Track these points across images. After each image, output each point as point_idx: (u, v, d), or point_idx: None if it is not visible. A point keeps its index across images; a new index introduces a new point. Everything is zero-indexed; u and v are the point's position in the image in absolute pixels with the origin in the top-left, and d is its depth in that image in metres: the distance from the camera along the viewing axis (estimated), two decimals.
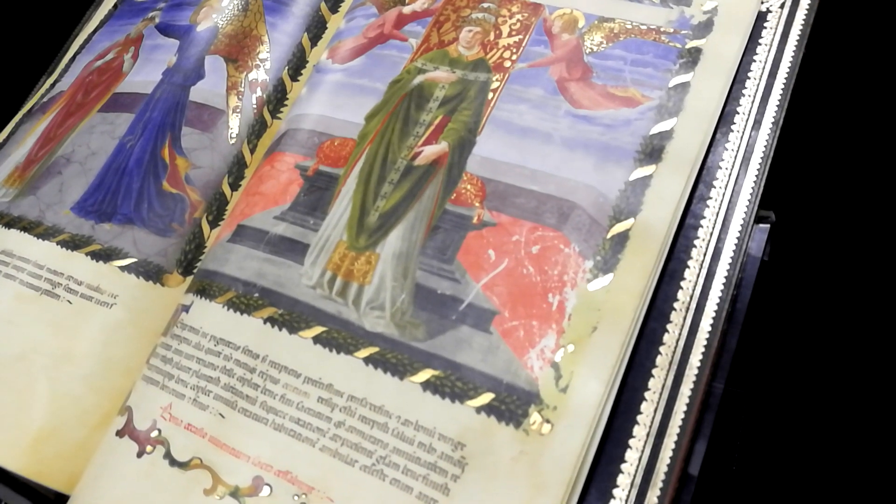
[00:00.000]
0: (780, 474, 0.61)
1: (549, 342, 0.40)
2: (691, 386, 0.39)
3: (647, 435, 0.39)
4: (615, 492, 0.38)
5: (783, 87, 0.46)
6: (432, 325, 0.42)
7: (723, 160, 0.45)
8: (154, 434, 0.44)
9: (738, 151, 0.45)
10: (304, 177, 0.50)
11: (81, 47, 0.67)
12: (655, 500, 0.37)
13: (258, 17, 0.61)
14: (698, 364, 0.40)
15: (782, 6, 0.49)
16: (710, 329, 0.41)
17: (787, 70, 0.47)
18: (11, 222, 0.55)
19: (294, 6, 0.61)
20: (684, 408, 0.39)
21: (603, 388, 0.39)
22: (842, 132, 0.69)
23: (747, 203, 0.44)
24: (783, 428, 0.62)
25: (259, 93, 0.58)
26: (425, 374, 0.41)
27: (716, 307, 0.41)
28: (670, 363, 0.40)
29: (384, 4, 0.56)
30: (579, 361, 0.40)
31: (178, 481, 0.42)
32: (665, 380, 0.40)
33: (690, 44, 0.48)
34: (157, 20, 0.65)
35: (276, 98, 0.58)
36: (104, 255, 0.52)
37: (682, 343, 0.40)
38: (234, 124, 0.57)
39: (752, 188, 0.44)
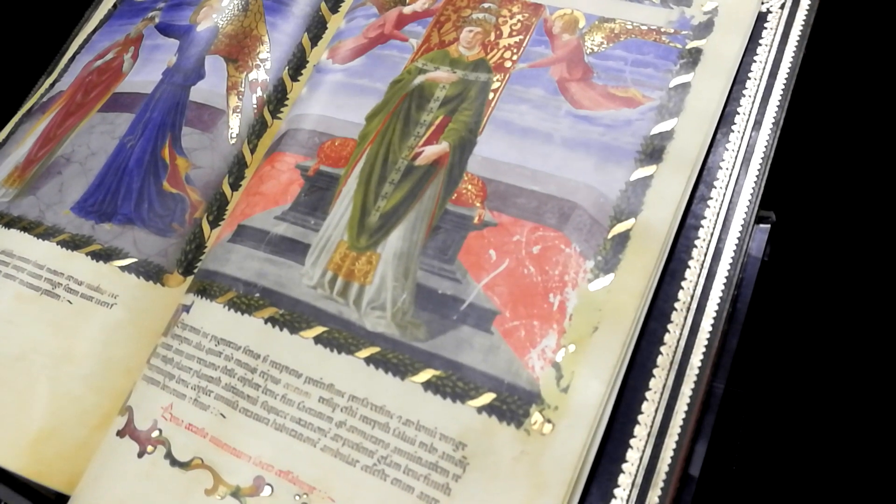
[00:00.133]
0: (780, 474, 0.61)
1: (550, 342, 0.40)
2: (692, 386, 0.39)
3: (649, 435, 0.39)
4: (616, 492, 0.38)
5: (783, 87, 0.46)
6: (433, 325, 0.42)
7: (723, 160, 0.45)
8: (155, 434, 0.44)
9: (738, 152, 0.45)
10: (304, 177, 0.50)
11: (81, 47, 0.67)
12: (656, 499, 0.37)
13: (258, 17, 0.61)
14: (699, 364, 0.40)
15: (782, 7, 0.49)
16: (710, 329, 0.41)
17: (788, 70, 0.47)
18: (11, 222, 0.55)
19: (294, 6, 0.61)
20: (685, 408, 0.39)
21: (604, 388, 0.39)
22: (842, 132, 0.69)
23: (748, 203, 0.44)
24: (783, 428, 0.62)
25: (259, 93, 0.58)
26: (426, 374, 0.41)
27: (716, 307, 0.41)
28: (671, 363, 0.40)
29: (385, 4, 0.56)
30: (580, 361, 0.40)
31: (179, 481, 0.42)
32: (666, 380, 0.40)
33: (691, 44, 0.48)
34: (156, 20, 0.65)
35: (277, 98, 0.58)
36: (104, 255, 0.52)
37: (682, 343, 0.40)
38: (235, 124, 0.57)
39: (753, 188, 0.44)
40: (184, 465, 0.42)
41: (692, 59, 0.47)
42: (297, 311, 0.45)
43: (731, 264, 0.42)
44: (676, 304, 0.41)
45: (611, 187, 0.44)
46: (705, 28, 0.48)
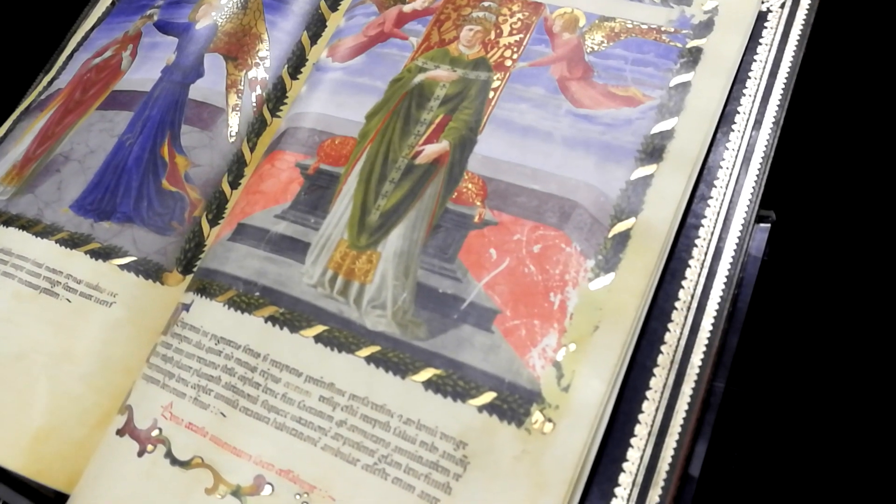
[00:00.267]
0: (780, 473, 0.61)
1: (550, 341, 0.40)
2: (693, 385, 0.40)
3: (649, 434, 0.39)
4: (617, 491, 0.38)
5: (784, 86, 0.46)
6: (434, 323, 0.42)
7: (724, 160, 0.45)
8: (155, 433, 0.44)
9: (738, 151, 0.45)
10: (304, 175, 0.50)
11: (79, 45, 0.67)
12: (657, 499, 0.37)
13: (257, 14, 0.61)
14: (699, 363, 0.40)
15: (783, 6, 0.49)
16: (711, 328, 0.41)
17: (788, 70, 0.47)
18: (9, 220, 0.55)
19: (294, 4, 0.61)
20: (686, 407, 0.39)
21: (605, 387, 0.39)
22: (842, 132, 0.69)
23: (748, 202, 0.44)
24: (784, 427, 0.62)
25: (259, 91, 0.58)
26: (427, 373, 0.41)
27: (717, 306, 0.41)
28: (672, 362, 0.40)
29: (384, 3, 0.56)
30: (581, 360, 0.40)
31: (180, 480, 0.42)
32: (666, 379, 0.40)
33: (691, 43, 0.48)
34: (155, 18, 0.64)
35: (276, 96, 0.58)
36: (103, 254, 0.52)
37: (683, 342, 0.41)
38: (234, 122, 0.56)
39: (753, 188, 0.44)
40: (184, 465, 0.42)
41: (692, 58, 0.47)
42: (297, 309, 0.45)
43: (731, 263, 0.42)
44: (677, 304, 0.41)
45: (611, 186, 0.44)
46: (705, 27, 0.48)
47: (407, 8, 0.55)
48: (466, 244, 0.44)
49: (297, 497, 0.40)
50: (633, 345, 0.40)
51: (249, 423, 0.42)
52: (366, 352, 0.42)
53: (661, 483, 0.38)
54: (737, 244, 0.43)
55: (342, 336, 0.43)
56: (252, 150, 0.56)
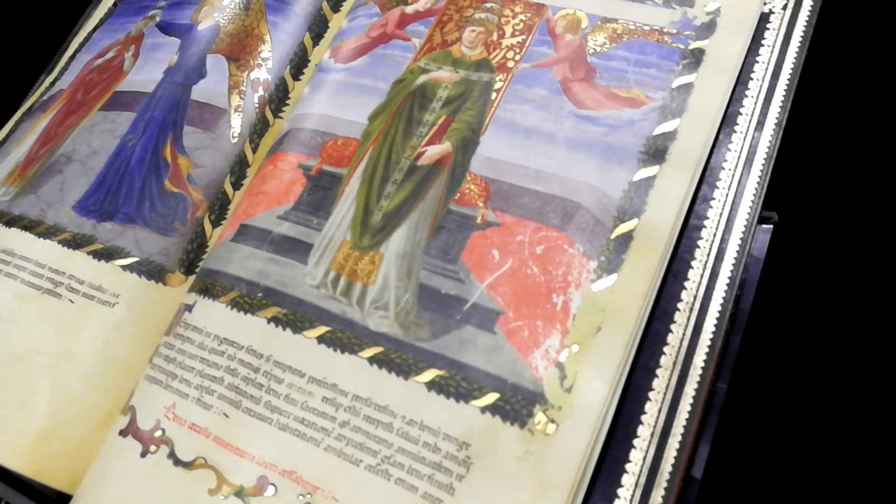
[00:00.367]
0: (783, 473, 0.61)
1: (553, 342, 0.40)
2: (695, 386, 0.40)
3: (652, 435, 0.39)
4: (620, 492, 0.38)
5: (786, 88, 0.46)
6: (436, 324, 0.42)
7: (726, 161, 0.45)
8: (158, 434, 0.44)
9: (741, 152, 0.45)
10: (307, 176, 0.50)
11: (81, 45, 0.67)
12: (660, 499, 0.37)
13: (260, 15, 0.61)
14: (702, 364, 0.40)
15: (785, 7, 0.49)
16: (713, 329, 0.41)
17: (790, 71, 0.47)
18: (12, 221, 0.55)
19: (296, 5, 0.61)
20: (688, 408, 0.39)
21: (607, 388, 0.39)
22: (845, 133, 0.69)
23: (750, 204, 0.44)
24: (786, 428, 0.62)
25: (261, 92, 0.58)
26: (430, 374, 0.41)
27: (719, 307, 0.41)
28: (674, 363, 0.40)
29: (387, 4, 0.56)
30: (584, 361, 0.40)
31: (183, 481, 0.42)
32: (669, 380, 0.40)
33: (693, 45, 0.48)
34: (157, 18, 0.65)
35: (278, 97, 0.58)
36: (106, 255, 0.52)
37: (685, 343, 0.41)
38: (236, 123, 0.57)
39: (756, 189, 0.44)
40: (187, 465, 0.42)
41: (695, 59, 0.47)
42: (300, 310, 0.45)
43: (733, 264, 0.42)
44: (679, 305, 0.41)
45: (614, 187, 0.44)
46: (708, 28, 0.48)
47: (409, 9, 0.55)
48: (469, 245, 0.44)
49: (301, 498, 0.40)
50: (635, 346, 0.40)
51: (252, 424, 0.42)
52: (369, 353, 0.42)
53: (664, 484, 0.38)
54: (739, 245, 0.43)
55: (345, 337, 0.43)
56: (254, 150, 0.56)
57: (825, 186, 0.68)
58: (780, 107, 0.46)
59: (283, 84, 0.58)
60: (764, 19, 0.49)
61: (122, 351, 0.50)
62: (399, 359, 0.42)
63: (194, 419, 0.43)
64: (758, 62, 0.47)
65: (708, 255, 0.43)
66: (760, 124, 0.46)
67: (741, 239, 0.43)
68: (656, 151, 0.45)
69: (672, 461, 0.38)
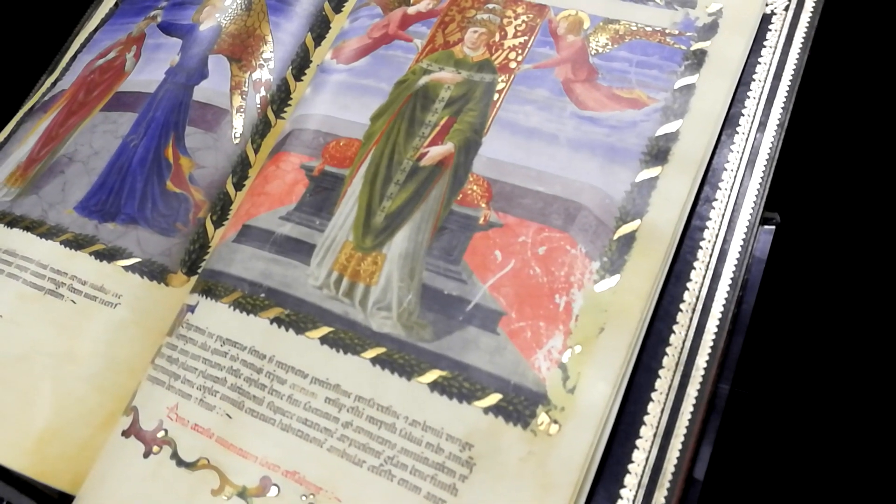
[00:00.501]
0: (785, 474, 0.61)
1: (556, 343, 0.40)
2: (698, 387, 0.40)
3: (654, 435, 0.39)
4: (622, 492, 0.38)
5: (788, 89, 0.46)
6: (439, 325, 0.42)
7: (728, 162, 0.45)
8: (161, 434, 0.44)
9: (743, 153, 0.45)
10: (309, 177, 0.50)
11: (82, 46, 0.67)
12: (663, 500, 0.37)
13: (261, 16, 0.61)
14: (704, 365, 0.40)
15: (787, 8, 0.49)
16: (716, 330, 0.41)
17: (792, 72, 0.47)
18: (14, 221, 0.55)
19: (297, 6, 0.61)
20: (691, 408, 0.39)
21: (610, 388, 0.39)
22: (847, 134, 0.69)
23: (753, 205, 0.44)
24: (789, 429, 0.62)
25: (263, 92, 0.58)
26: (433, 375, 0.41)
27: (722, 308, 0.41)
28: (677, 364, 0.40)
29: (389, 5, 0.56)
30: (586, 362, 0.40)
31: (186, 482, 0.42)
32: (672, 381, 0.40)
33: (695, 46, 0.48)
34: (159, 19, 0.65)
35: (280, 98, 0.58)
36: (108, 255, 0.52)
37: (688, 344, 0.41)
38: (238, 124, 0.57)
39: (758, 190, 0.44)
40: (190, 466, 0.42)
41: (697, 60, 0.47)
42: (302, 311, 0.45)
43: (736, 265, 0.42)
44: (682, 305, 0.42)
45: (616, 188, 0.44)
46: (710, 30, 0.48)
47: (411, 10, 0.55)
48: (471, 246, 0.44)
49: (304, 498, 0.40)
50: (638, 346, 0.40)
51: (255, 425, 0.42)
52: (371, 353, 0.42)
53: (667, 485, 0.38)
54: (741, 246, 0.43)
55: (348, 337, 0.43)
56: (256, 151, 0.56)
57: (827, 187, 0.68)
58: (783, 108, 0.46)
59: (285, 84, 0.58)
60: (766, 20, 0.49)
61: (124, 351, 0.50)
62: (402, 359, 0.42)
63: (197, 420, 0.43)
64: (760, 63, 0.48)
65: (710, 255, 0.43)
66: (762, 125, 0.46)
67: (743, 240, 0.43)
68: (658, 152, 0.45)
69: (675, 461, 0.38)
